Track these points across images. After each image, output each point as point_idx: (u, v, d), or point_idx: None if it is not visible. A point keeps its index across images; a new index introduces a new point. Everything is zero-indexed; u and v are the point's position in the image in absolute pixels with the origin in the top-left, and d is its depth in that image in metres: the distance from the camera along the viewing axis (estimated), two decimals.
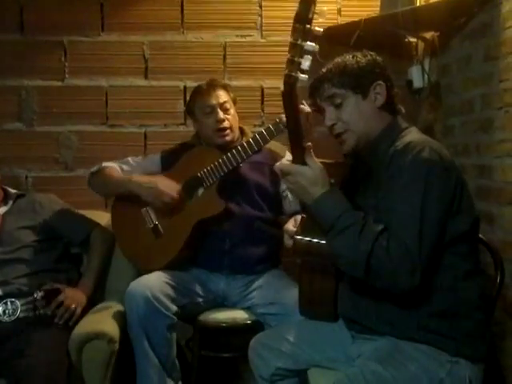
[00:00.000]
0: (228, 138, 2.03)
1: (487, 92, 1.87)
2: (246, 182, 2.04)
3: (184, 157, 2.06)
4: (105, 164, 2.10)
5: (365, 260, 1.21)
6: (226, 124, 2.02)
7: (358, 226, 1.24)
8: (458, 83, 2.11)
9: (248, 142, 1.92)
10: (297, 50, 1.15)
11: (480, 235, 1.57)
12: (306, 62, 1.16)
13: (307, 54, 1.16)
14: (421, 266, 1.20)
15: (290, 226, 1.58)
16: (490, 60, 1.85)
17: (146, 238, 2.02)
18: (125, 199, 2.04)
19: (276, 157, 2.06)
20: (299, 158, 1.30)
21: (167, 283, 1.88)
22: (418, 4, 2.17)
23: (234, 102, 2.10)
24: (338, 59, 1.45)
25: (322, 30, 1.16)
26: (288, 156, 1.91)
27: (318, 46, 1.15)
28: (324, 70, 1.44)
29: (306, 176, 1.28)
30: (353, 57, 1.43)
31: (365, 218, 1.26)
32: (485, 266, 1.66)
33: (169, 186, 1.95)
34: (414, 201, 1.23)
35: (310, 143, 1.29)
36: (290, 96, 1.20)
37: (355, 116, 1.41)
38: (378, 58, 1.45)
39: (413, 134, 1.38)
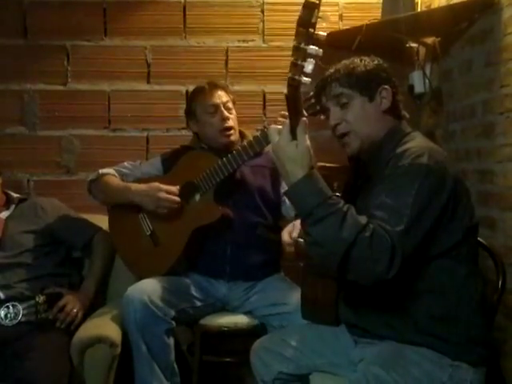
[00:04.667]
0: (232, 138, 2.03)
1: (488, 97, 1.87)
2: (247, 187, 2.03)
3: (180, 161, 2.04)
4: (102, 171, 2.07)
5: (344, 250, 1.17)
6: (230, 123, 2.02)
7: (340, 215, 1.19)
8: (459, 88, 2.11)
9: (243, 147, 1.89)
10: (300, 54, 1.15)
11: (481, 240, 1.57)
12: (309, 66, 1.16)
13: (310, 58, 1.16)
14: (398, 263, 1.17)
15: (286, 236, 1.57)
16: (491, 65, 1.86)
17: (144, 246, 2.02)
18: (121, 206, 2.04)
19: None
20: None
21: (165, 288, 1.87)
22: (419, 10, 2.19)
23: (234, 103, 2.10)
24: (346, 61, 1.45)
25: (325, 34, 1.17)
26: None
27: (321, 50, 1.15)
28: (332, 69, 1.45)
29: (287, 152, 1.22)
30: (361, 60, 1.44)
31: (345, 206, 1.22)
32: (486, 271, 1.67)
33: (168, 191, 1.93)
34: (406, 200, 1.23)
35: (305, 118, 1.23)
36: (293, 99, 1.20)
37: (360, 117, 1.41)
38: (384, 64, 1.46)
39: (416, 140, 1.38)
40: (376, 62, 1.45)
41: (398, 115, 1.46)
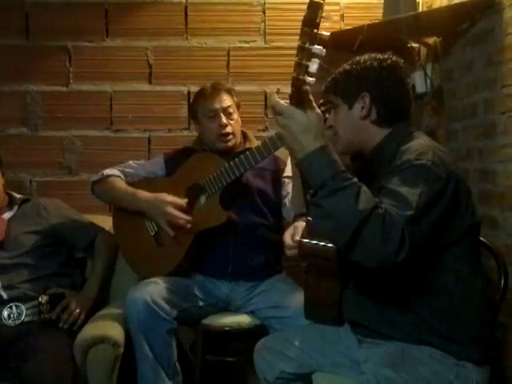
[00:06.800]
0: (230, 144, 2.03)
1: (490, 97, 1.88)
2: (249, 189, 2.03)
3: (186, 163, 2.03)
4: (106, 172, 2.07)
5: (357, 223, 1.12)
6: (228, 129, 2.01)
7: (355, 189, 1.16)
8: (460, 88, 2.12)
9: (252, 153, 1.88)
10: (304, 54, 1.15)
11: (483, 239, 1.58)
12: (313, 66, 1.16)
13: (315, 58, 1.16)
14: (407, 248, 1.13)
15: (288, 238, 1.57)
16: (492, 65, 1.86)
17: (148, 246, 2.02)
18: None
19: (279, 162, 2.06)
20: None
21: (168, 288, 1.88)
22: (420, 10, 2.19)
23: (238, 106, 2.09)
24: (344, 65, 1.45)
25: (328, 34, 1.17)
26: None
27: (325, 50, 1.16)
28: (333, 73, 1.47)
29: (299, 121, 1.17)
30: (356, 64, 1.42)
31: (359, 182, 1.19)
32: (488, 270, 1.67)
33: (174, 204, 1.91)
34: (414, 190, 1.21)
35: (308, 87, 1.19)
36: (297, 98, 1.19)
37: (341, 125, 1.44)
38: (385, 64, 1.41)
39: (419, 139, 1.37)
40: (368, 63, 1.40)
41: (391, 120, 1.41)
